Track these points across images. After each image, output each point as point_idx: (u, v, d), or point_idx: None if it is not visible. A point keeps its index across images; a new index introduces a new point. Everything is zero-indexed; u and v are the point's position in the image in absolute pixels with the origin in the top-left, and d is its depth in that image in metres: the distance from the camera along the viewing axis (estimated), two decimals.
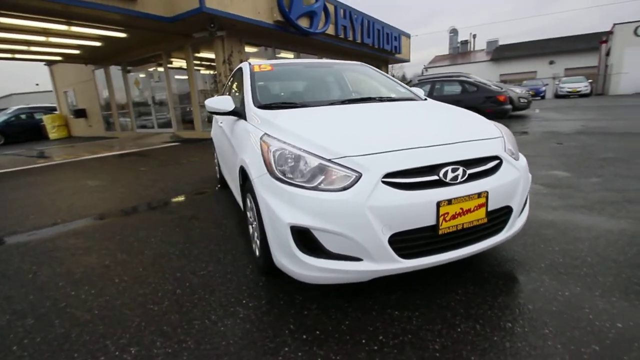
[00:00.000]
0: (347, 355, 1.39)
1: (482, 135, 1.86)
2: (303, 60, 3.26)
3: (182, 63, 10.20)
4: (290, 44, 10.85)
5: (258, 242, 2.00)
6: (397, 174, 1.54)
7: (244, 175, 2.18)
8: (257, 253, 2.08)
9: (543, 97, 23.14)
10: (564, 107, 14.32)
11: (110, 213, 3.62)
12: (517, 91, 11.05)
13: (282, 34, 9.77)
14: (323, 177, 1.55)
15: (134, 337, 1.57)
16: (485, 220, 1.67)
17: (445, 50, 43.16)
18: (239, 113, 2.44)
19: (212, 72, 9.36)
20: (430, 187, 1.55)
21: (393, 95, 2.64)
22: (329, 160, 1.58)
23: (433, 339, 1.45)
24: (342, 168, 1.55)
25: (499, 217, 1.75)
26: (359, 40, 12.68)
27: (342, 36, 11.68)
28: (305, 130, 1.82)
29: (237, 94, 3.26)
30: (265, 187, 1.69)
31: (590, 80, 23.24)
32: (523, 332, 1.45)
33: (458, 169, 1.62)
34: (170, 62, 10.38)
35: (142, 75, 11.75)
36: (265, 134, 1.88)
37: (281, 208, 1.58)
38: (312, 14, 9.82)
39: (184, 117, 10.76)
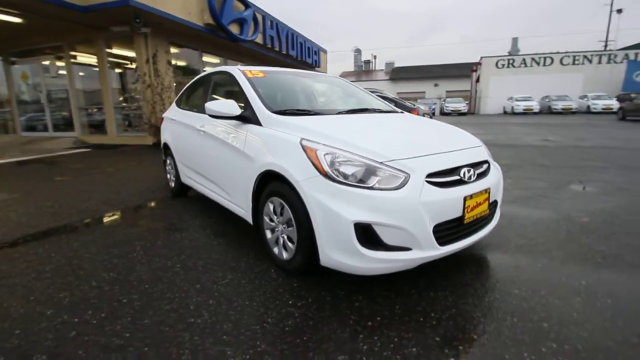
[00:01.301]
0: (417, 332, 1.59)
1: (474, 143, 2.30)
2: (289, 69, 3.34)
3: (88, 58, 8.88)
4: (218, 48, 10.48)
5: (291, 244, 2.04)
6: (434, 174, 1.83)
7: (263, 180, 2.19)
8: (285, 256, 2.11)
9: (433, 114, 27.16)
10: (452, 122, 17.10)
11: (52, 230, 3.05)
12: (422, 108, 12.83)
13: (211, 38, 9.40)
14: (378, 178, 1.74)
15: (199, 356, 1.48)
16: (487, 211, 2.08)
17: (349, 67, 46.88)
18: (247, 118, 2.42)
19: (134, 70, 8.41)
20: (455, 185, 1.89)
21: (382, 107, 2.96)
22: (381, 163, 1.77)
23: (471, 309, 1.77)
24: (393, 170, 1.76)
25: (491, 209, 2.19)
26: (284, 52, 12.97)
27: (269, 46, 11.80)
28: (344, 136, 1.98)
29: (204, 99, 3.17)
30: (317, 189, 1.78)
31: (467, 102, 28.24)
32: (518, 291, 1.88)
33: (471, 170, 2.00)
34: (74, 57, 8.92)
35: (31, 68, 9.77)
36: (304, 138, 1.96)
37: (342, 207, 1.70)
38: (242, 21, 9.71)
39: (90, 120, 9.33)
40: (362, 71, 43.58)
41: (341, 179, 1.75)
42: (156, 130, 8.12)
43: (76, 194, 4.27)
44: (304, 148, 1.91)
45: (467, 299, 1.86)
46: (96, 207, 3.74)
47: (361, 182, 1.74)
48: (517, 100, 24.55)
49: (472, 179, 1.98)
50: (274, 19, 11.82)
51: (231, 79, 2.88)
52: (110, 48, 8.51)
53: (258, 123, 2.35)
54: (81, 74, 9.16)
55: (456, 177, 1.92)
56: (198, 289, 2.00)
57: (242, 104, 2.57)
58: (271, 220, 2.21)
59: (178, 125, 3.72)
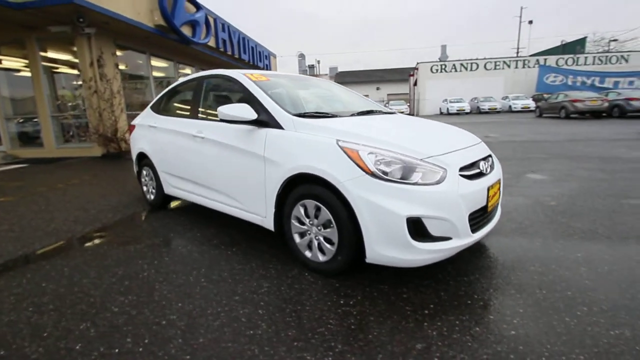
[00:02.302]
0: (472, 313, 1.72)
1: (477, 140, 2.53)
2: (288, 74, 3.31)
3: (16, 62, 7.79)
4: (168, 52, 9.88)
5: (329, 246, 2.06)
6: (463, 168, 1.99)
7: (289, 183, 2.17)
8: (322, 258, 2.12)
9: None
10: None
11: (25, 257, 2.66)
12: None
13: (161, 40, 8.84)
14: (420, 174, 1.84)
15: None
16: (499, 200, 2.31)
17: (294, 71, 47.17)
18: (265, 122, 2.37)
19: (77, 75, 7.58)
20: (479, 177, 2.07)
21: (382, 109, 3.08)
22: (421, 160, 1.88)
23: (504, 287, 1.95)
24: (432, 166, 1.88)
25: (499, 198, 2.43)
26: (236, 55, 12.66)
27: (222, 49, 11.43)
28: (376, 135, 2.05)
29: (196, 105, 3.04)
30: (364, 188, 1.83)
31: (408, 104, 30.15)
32: (534, 267, 2.12)
33: (485, 163, 2.20)
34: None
35: None
36: (339, 140, 2.00)
37: (392, 204, 1.77)
38: (194, 23, 9.29)
39: (22, 131, 8.17)
40: (307, 76, 44.16)
41: (387, 177, 1.82)
42: (105, 140, 7.42)
43: (33, 215, 3.75)
44: (343, 149, 1.94)
45: (497, 279, 2.04)
46: (67, 227, 3.33)
47: (404, 178, 1.83)
48: (450, 102, 26.83)
49: (488, 171, 2.18)
50: (225, 22, 11.49)
51: (233, 82, 2.79)
52: (45, 51, 7.56)
53: (278, 126, 2.31)
54: (9, 79, 7.99)
55: (477, 170, 2.10)
56: (239, 300, 1.92)
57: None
58: (301, 223, 2.20)
59: (161, 133, 3.48)
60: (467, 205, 1.90)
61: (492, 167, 2.30)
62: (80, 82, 7.38)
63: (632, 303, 1.76)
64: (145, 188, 3.98)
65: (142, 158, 3.92)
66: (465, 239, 1.91)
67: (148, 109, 3.95)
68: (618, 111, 15.95)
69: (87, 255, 2.64)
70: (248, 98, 2.59)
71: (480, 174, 2.10)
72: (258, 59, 14.99)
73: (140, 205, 4.00)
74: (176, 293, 2.02)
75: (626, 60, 27.38)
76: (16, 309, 1.92)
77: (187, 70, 11.50)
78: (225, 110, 2.38)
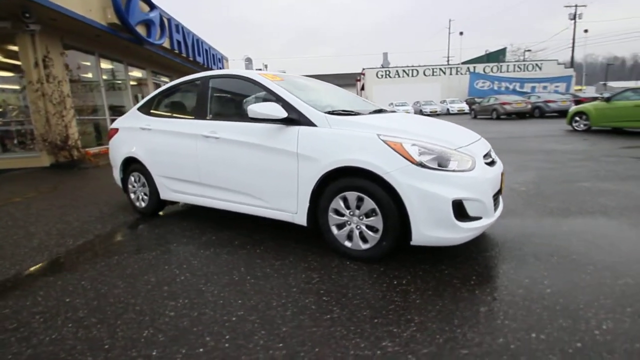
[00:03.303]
0: (512, 280, 1.98)
1: (478, 135, 2.86)
2: (290, 75, 3.35)
3: None
4: (118, 52, 9.16)
5: (372, 233, 2.19)
6: (483, 157, 2.27)
7: (326, 177, 2.27)
8: (364, 246, 2.25)
9: None
10: None
11: (23, 277, 2.39)
12: None
13: (113, 40, 8.20)
14: (456, 162, 2.07)
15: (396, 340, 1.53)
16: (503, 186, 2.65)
17: None
18: (295, 120, 2.44)
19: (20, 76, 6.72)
20: (492, 165, 2.37)
21: (387, 109, 3.29)
22: (455, 150, 2.12)
23: (525, 257, 2.26)
24: (464, 155, 2.13)
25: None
26: (191, 58, 12.16)
27: (176, 51, 10.91)
28: (410, 129, 2.26)
29: (203, 105, 3.00)
30: (410, 177, 2.01)
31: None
32: (539, 240, 2.49)
33: (492, 153, 2.53)
34: None
35: None
36: (380, 134, 2.15)
37: (439, 189, 1.98)
38: (149, 22, 8.77)
39: None
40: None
41: (430, 166, 2.02)
42: (55, 148, 6.71)
43: (4, 232, 3.31)
44: (386, 142, 2.10)
45: (514, 251, 2.35)
46: (55, 241, 3.01)
47: (443, 166, 2.05)
48: (396, 105, 28.49)
49: (496, 160, 2.51)
50: (179, 23, 11.00)
51: (251, 83, 2.79)
52: None
53: (310, 124, 2.40)
54: None
55: (491, 159, 2.41)
56: (297, 291, 1.97)
57: None
58: (340, 215, 2.31)
59: (159, 135, 3.32)
60: (491, 189, 2.18)
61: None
62: (18, 86, 6.56)
63: (624, 259, 2.17)
64: (133, 195, 3.73)
65: (130, 163, 3.68)
66: (490, 217, 2.18)
67: (135, 110, 3.72)
68: (539, 112, 18.34)
69: (100, 267, 2.45)
70: (271, 98, 2.63)
71: (493, 162, 2.41)
72: (212, 61, 14.54)
73: (127, 214, 3.74)
74: (229, 292, 2.00)
75: (540, 68, 31.56)
76: (52, 327, 1.75)
77: (137, 73, 10.77)
78: (256, 108, 2.40)
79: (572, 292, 1.83)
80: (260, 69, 46.02)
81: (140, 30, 8.42)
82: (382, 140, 2.12)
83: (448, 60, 42.49)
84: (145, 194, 3.60)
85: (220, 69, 15.96)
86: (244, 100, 2.90)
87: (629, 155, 6.05)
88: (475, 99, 25.92)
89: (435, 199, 1.97)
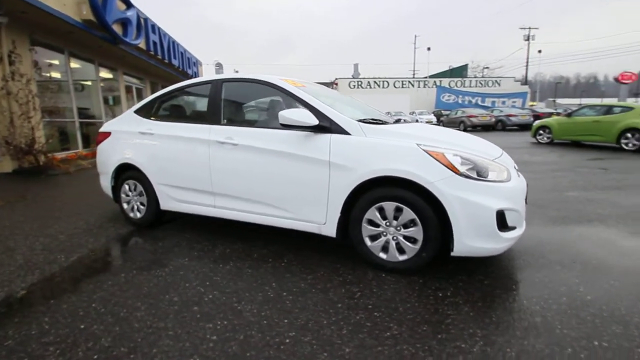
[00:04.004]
0: (552, 290, 2.01)
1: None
2: (306, 82, 3.25)
3: None
4: (90, 52, 8.55)
5: (410, 244, 2.15)
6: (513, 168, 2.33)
7: (367, 185, 2.21)
8: (401, 258, 2.20)
9: None
10: None
11: (17, 295, 2.09)
12: None
13: (86, 38, 7.65)
14: (494, 172, 2.10)
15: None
16: None
17: None
18: (326, 128, 2.36)
19: None
20: (519, 176, 2.44)
21: (406, 118, 3.30)
22: (492, 161, 2.15)
23: (549, 263, 2.33)
24: (501, 165, 2.16)
25: None
26: (166, 60, 11.64)
27: (152, 52, 10.40)
28: (446, 139, 2.27)
29: (216, 109, 2.85)
30: (454, 187, 2.00)
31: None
32: (549, 246, 2.58)
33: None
34: None
35: None
36: (419, 144, 2.13)
37: (483, 199, 1.98)
38: (126, 21, 8.29)
39: None
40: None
41: (472, 176, 2.03)
42: (19, 152, 6.09)
43: None
44: (427, 152, 2.08)
45: (539, 259, 2.41)
46: (43, 257, 2.67)
47: (483, 177, 2.06)
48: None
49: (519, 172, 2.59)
50: (155, 24, 10.52)
51: (272, 88, 2.68)
52: None
53: (342, 132, 2.33)
54: None
55: (516, 171, 2.47)
56: (344, 307, 1.87)
57: None
58: (375, 226, 2.25)
59: (163, 140, 3.09)
60: (523, 199, 2.23)
61: None
62: None
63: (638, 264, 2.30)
64: (126, 205, 3.44)
65: (123, 170, 3.40)
66: (522, 227, 2.23)
67: (131, 113, 3.45)
68: (501, 125, 19.54)
69: (108, 286, 2.19)
70: (295, 104, 2.54)
71: (518, 174, 2.48)
72: (187, 65, 14.04)
73: (119, 225, 3.43)
74: (270, 310, 1.86)
75: (499, 84, 33.76)
76: None
77: (108, 74, 10.12)
78: (288, 114, 2.30)
79: (610, 298, 1.89)
80: None
81: (117, 28, 7.94)
82: (424, 150, 2.10)
83: (414, 74, 44.39)
84: (142, 204, 3.33)
85: (195, 73, 15.47)
86: (266, 107, 2.78)
87: (596, 166, 6.56)
88: (442, 111, 27.13)
89: (480, 209, 1.98)
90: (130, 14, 8.42)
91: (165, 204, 3.19)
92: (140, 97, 12.31)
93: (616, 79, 37.02)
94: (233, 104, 2.97)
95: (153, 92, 13.60)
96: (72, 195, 4.86)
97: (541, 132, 11.50)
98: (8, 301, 2.05)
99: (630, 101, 23.71)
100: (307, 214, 2.47)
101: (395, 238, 2.21)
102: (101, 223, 3.53)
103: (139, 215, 3.36)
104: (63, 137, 7.77)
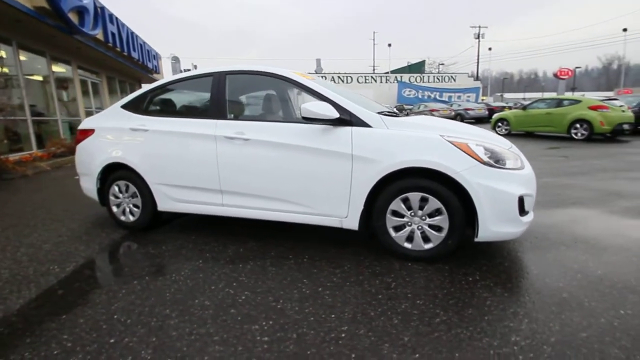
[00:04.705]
0: (567, 268, 2.18)
1: None
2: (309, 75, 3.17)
3: None
4: (41, 43, 7.71)
5: (436, 232, 2.22)
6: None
7: (393, 176, 2.23)
8: (426, 246, 2.26)
9: None
10: None
11: (14, 311, 1.86)
12: None
13: (37, 28, 6.88)
14: (511, 160, 2.21)
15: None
16: None
17: (167, 75, 42.82)
18: (347, 120, 2.33)
19: None
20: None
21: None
22: (508, 149, 2.26)
23: (555, 244, 2.51)
24: (514, 154, 2.28)
25: None
26: (125, 52, 10.84)
27: (110, 44, 9.62)
28: (463, 130, 2.35)
29: (221, 103, 2.73)
30: (479, 175, 2.08)
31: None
32: (543, 230, 2.80)
33: None
34: None
35: None
36: (441, 135, 2.19)
37: (506, 186, 2.08)
38: (82, 9, 7.58)
39: None
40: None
41: (495, 165, 2.12)
42: None
43: None
44: (452, 143, 2.14)
45: (544, 242, 2.59)
46: (32, 269, 2.41)
47: (502, 165, 2.17)
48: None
49: None
50: (113, 13, 9.73)
51: (283, 81, 2.61)
52: None
53: (364, 124, 2.33)
54: None
55: None
56: (384, 299, 1.88)
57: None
58: (399, 216, 2.28)
59: (160, 137, 2.89)
60: (535, 185, 2.38)
61: None
62: None
63: (630, 241, 2.55)
64: (116, 209, 3.18)
65: (112, 171, 3.13)
66: (532, 212, 2.38)
67: (118, 108, 3.18)
68: (460, 118, 20.63)
69: (124, 295, 2.02)
70: (311, 97, 2.49)
71: None
72: (147, 58, 13.19)
73: (109, 230, 3.17)
74: (312, 307, 1.82)
75: (454, 80, 35.55)
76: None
77: (61, 68, 9.23)
78: (311, 107, 2.25)
79: (617, 272, 2.09)
80: (189, 70, 43.23)
81: (73, 17, 7.24)
82: (448, 141, 2.16)
83: (374, 69, 45.43)
84: (135, 206, 3.10)
85: (155, 66, 14.59)
86: (276, 100, 2.69)
87: (557, 154, 7.17)
88: (404, 106, 28.06)
89: (504, 196, 2.08)
90: (86, 1, 7.72)
91: (164, 205, 3.00)
92: (96, 92, 11.39)
93: (555, 75, 40.66)
94: (239, 97, 2.86)
95: (110, 87, 12.65)
96: (40, 200, 4.39)
97: (500, 124, 12.32)
98: (9, 320, 1.82)
99: (568, 94, 26.15)
100: (327, 208, 2.45)
101: (420, 227, 2.26)
102: (86, 229, 3.24)
103: (132, 218, 3.13)
104: (15, 137, 6.98)
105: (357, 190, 2.32)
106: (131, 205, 3.12)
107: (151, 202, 3.01)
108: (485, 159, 2.11)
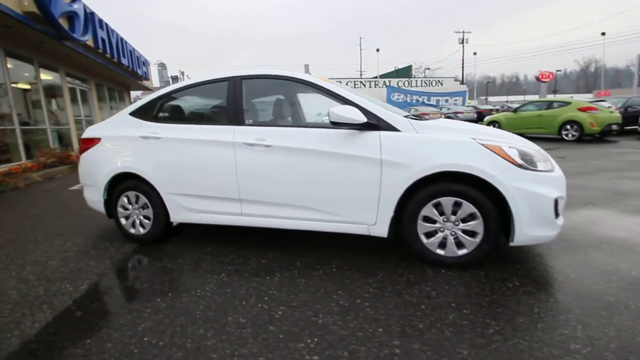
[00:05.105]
0: (601, 270, 2.15)
1: None
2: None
3: None
4: (27, 49, 7.43)
5: (470, 238, 2.17)
6: None
7: (424, 180, 2.17)
8: (460, 252, 2.21)
9: None
10: None
11: (33, 335, 1.72)
12: None
13: (25, 34, 6.64)
14: (542, 163, 2.19)
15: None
16: None
17: (154, 82, 42.17)
18: (374, 125, 2.28)
19: None
20: None
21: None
22: (537, 151, 2.24)
23: (581, 247, 2.50)
24: (544, 156, 2.26)
25: None
26: (115, 59, 10.58)
27: (100, 50, 9.37)
28: (492, 133, 2.32)
29: (237, 109, 2.64)
30: (515, 178, 2.05)
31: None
32: (564, 232, 2.80)
33: None
34: None
35: None
36: (473, 138, 2.15)
37: (541, 189, 2.06)
38: (73, 15, 7.35)
39: None
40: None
41: (529, 167, 2.09)
42: None
43: None
44: (485, 146, 2.10)
45: (570, 243, 2.58)
46: (44, 288, 2.25)
47: (534, 167, 2.14)
48: (324, 115, 29.40)
49: None
50: (102, 19, 9.50)
51: (306, 86, 2.56)
52: None
53: (392, 129, 2.27)
54: None
55: None
56: (428, 308, 1.82)
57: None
58: (431, 222, 2.23)
59: (175, 144, 2.77)
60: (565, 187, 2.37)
61: None
62: None
63: None
64: (125, 221, 3.03)
65: (120, 181, 2.99)
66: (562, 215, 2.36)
67: (126, 116, 3.05)
68: None
69: (149, 314, 1.89)
70: (335, 101, 2.43)
71: None
72: (137, 64, 12.92)
73: (118, 243, 3.02)
74: (355, 320, 1.74)
75: (441, 84, 36.15)
76: None
77: (48, 76, 8.93)
78: (339, 112, 2.19)
79: None
80: (176, 77, 42.64)
81: (63, 23, 7.02)
82: (481, 144, 2.12)
83: (361, 74, 45.84)
84: (146, 218, 2.96)
85: (145, 73, 14.31)
86: (296, 105, 2.62)
87: (554, 155, 7.20)
88: None
89: (541, 199, 2.05)
90: (77, 6, 7.50)
91: (177, 216, 2.87)
92: (85, 100, 11.07)
93: (537, 78, 41.83)
94: (257, 102, 2.77)
95: (99, 94, 12.32)
96: (38, 213, 4.18)
97: (491, 126, 12.55)
98: (28, 348, 1.67)
99: (550, 97, 26.93)
100: (354, 215, 2.38)
101: (453, 233, 2.21)
102: (93, 243, 3.07)
103: (142, 230, 2.98)
104: (4, 147, 6.68)
105: (387, 196, 2.26)
106: (141, 217, 2.98)
107: (163, 213, 2.88)
108: (520, 161, 2.09)
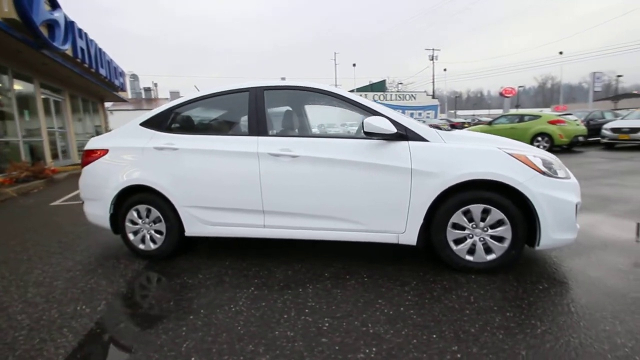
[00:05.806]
0: (621, 270, 2.29)
1: None
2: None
3: None
4: (5, 58, 7.00)
5: (498, 243, 2.26)
6: None
7: (453, 189, 2.24)
8: (489, 258, 2.29)
9: None
10: None
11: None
12: None
13: (1, 40, 6.26)
14: (560, 170, 2.33)
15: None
16: None
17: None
18: (403, 135, 2.33)
19: None
20: None
21: None
22: (556, 160, 2.38)
23: (592, 248, 2.65)
24: (561, 164, 2.40)
25: None
26: (94, 69, 10.17)
27: (79, 59, 8.97)
28: (514, 142, 2.45)
29: (260, 119, 2.63)
30: (540, 185, 2.16)
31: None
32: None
33: None
34: None
35: None
36: (500, 147, 2.26)
37: (564, 195, 2.18)
38: (53, 23, 7.03)
39: None
40: (143, 99, 39.05)
41: (553, 175, 2.22)
42: None
43: None
44: (511, 155, 2.21)
45: (585, 242, 2.73)
46: (57, 311, 2.08)
47: (555, 174, 2.27)
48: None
49: None
50: (82, 29, 9.15)
51: (330, 97, 2.59)
52: None
53: (420, 139, 2.34)
54: None
55: None
56: (472, 313, 1.85)
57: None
58: (460, 229, 2.29)
59: (193, 156, 2.69)
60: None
61: None
62: None
63: None
64: (133, 236, 2.88)
65: (129, 194, 2.86)
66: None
67: (136, 126, 2.93)
68: None
69: (187, 333, 1.80)
70: (361, 112, 2.48)
71: None
72: (114, 75, 12.48)
73: (126, 260, 2.86)
74: (407, 328, 1.74)
75: (414, 98, 37.51)
76: None
77: (21, 86, 8.43)
78: (373, 122, 2.23)
79: None
80: (149, 88, 41.57)
81: (44, 31, 6.70)
82: (507, 153, 2.23)
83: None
84: (157, 232, 2.83)
85: (122, 83, 13.84)
86: (321, 116, 2.64)
87: None
88: None
89: (564, 204, 2.17)
90: (57, 15, 7.20)
91: (192, 229, 2.77)
92: (58, 111, 10.51)
93: (500, 93, 44.48)
94: (279, 113, 2.76)
95: (73, 105, 11.75)
96: (23, 230, 3.87)
97: None
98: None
99: (522, 110, 28.67)
100: (383, 224, 2.40)
101: (482, 239, 2.28)
102: (98, 261, 2.89)
103: (153, 246, 2.84)
104: None
105: (417, 204, 2.31)
106: (152, 232, 2.84)
107: (178, 226, 2.77)
108: (543, 169, 2.21)
